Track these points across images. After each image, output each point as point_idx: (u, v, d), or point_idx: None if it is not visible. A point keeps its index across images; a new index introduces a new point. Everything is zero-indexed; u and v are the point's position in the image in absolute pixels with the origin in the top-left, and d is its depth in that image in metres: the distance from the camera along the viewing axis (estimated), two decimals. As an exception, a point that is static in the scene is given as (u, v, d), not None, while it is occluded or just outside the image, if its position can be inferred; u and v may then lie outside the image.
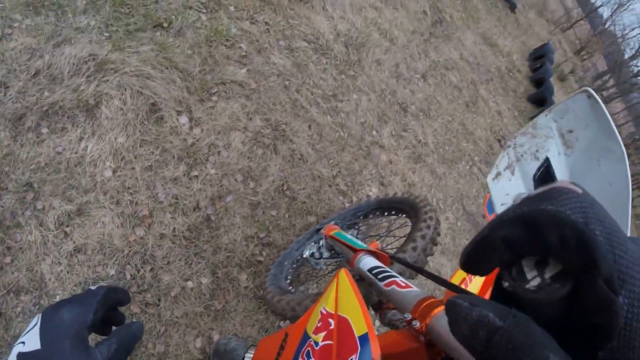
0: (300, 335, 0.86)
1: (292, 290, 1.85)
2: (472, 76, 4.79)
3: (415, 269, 1.17)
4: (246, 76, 2.58)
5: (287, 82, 2.73)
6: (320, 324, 0.82)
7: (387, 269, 1.13)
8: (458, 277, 1.37)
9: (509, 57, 6.15)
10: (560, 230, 0.31)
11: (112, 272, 1.95)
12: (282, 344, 0.89)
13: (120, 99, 2.20)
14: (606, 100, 12.52)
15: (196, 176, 2.17)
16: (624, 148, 0.70)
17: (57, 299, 1.88)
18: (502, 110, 5.08)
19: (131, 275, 1.97)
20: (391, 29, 3.93)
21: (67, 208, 1.96)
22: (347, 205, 2.61)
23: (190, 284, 2.02)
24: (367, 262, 1.29)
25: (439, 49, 4.50)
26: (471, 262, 0.35)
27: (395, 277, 1.04)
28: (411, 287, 0.95)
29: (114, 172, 2.07)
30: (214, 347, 1.30)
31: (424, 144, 3.45)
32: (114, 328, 0.64)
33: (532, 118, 5.52)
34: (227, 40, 2.71)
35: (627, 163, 0.69)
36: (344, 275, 0.91)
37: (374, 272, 1.16)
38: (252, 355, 1.22)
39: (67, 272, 1.90)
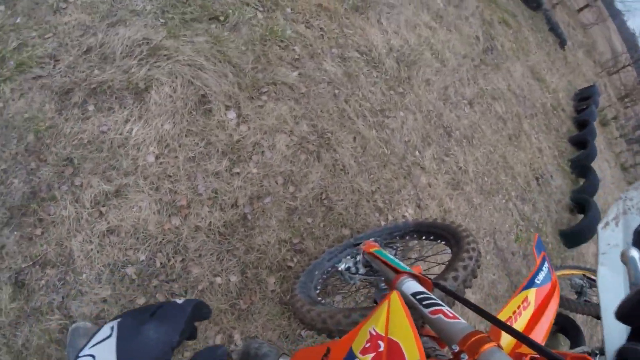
0: (344, 352, 0.83)
1: (323, 302, 1.80)
2: (517, 109, 4.69)
3: (462, 301, 1.11)
4: (297, 79, 2.55)
5: (336, 91, 2.70)
6: (368, 344, 0.80)
7: (432, 296, 1.09)
8: (505, 314, 1.29)
9: (554, 94, 6.02)
10: None
11: (143, 257, 1.92)
12: (323, 358, 0.86)
13: (170, 86, 2.19)
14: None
15: (238, 173, 2.14)
16: None
17: (84, 277, 1.85)
18: (543, 148, 4.95)
19: (161, 264, 1.93)
20: (443, 51, 3.88)
21: (105, 188, 1.95)
22: (382, 222, 2.54)
23: (218, 280, 1.98)
24: (411, 285, 1.23)
25: (488, 77, 4.42)
26: (630, 313, 0.37)
27: (442, 306, 1.01)
28: (458, 319, 0.93)
29: (157, 158, 2.05)
30: (243, 348, 1.24)
31: (464, 171, 3.37)
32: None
33: (570, 160, 5.37)
34: (281, 41, 2.69)
35: None
36: (396, 298, 0.90)
37: (418, 297, 1.12)
38: None
39: (97, 252, 1.88)
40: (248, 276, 2.05)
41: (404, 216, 2.69)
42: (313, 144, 2.41)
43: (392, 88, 3.10)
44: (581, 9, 13.09)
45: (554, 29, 7.58)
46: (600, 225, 0.80)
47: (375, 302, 1.97)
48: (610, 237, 0.78)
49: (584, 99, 6.80)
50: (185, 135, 2.12)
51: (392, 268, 1.44)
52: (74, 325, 1.33)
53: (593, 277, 3.77)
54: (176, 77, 2.22)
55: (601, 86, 9.88)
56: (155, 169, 2.03)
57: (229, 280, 2.01)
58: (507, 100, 4.56)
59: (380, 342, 0.80)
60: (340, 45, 2.93)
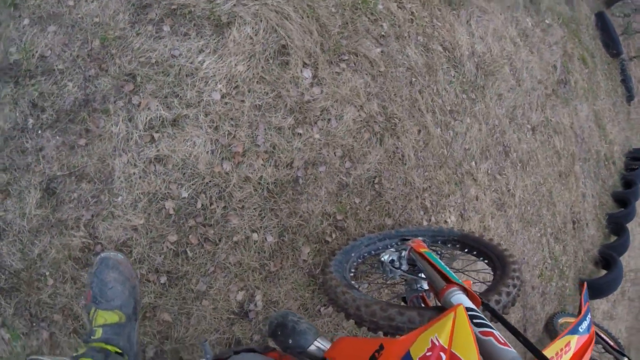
0: (401, 354, 0.79)
1: (358, 287, 1.66)
2: (573, 149, 4.40)
3: (511, 329, 1.01)
4: (378, 56, 2.36)
5: (413, 79, 2.50)
6: (429, 353, 0.76)
7: (483, 316, 0.99)
8: (549, 352, 1.17)
9: (610, 146, 5.66)
10: None
11: (185, 195, 1.80)
12: (374, 354, 0.81)
13: (253, 28, 2.03)
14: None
15: (300, 134, 1.99)
16: None
17: (119, 200, 1.74)
18: (587, 195, 4.66)
19: (202, 205, 1.81)
20: (521, 70, 3.61)
21: (163, 114, 1.81)
22: (425, 222, 2.36)
23: (255, 236, 1.85)
24: (461, 299, 1.12)
25: (556, 108, 4.13)
26: None
27: (493, 329, 0.93)
28: (509, 347, 0.87)
29: (223, 97, 1.91)
30: (280, 319, 1.12)
31: (512, 194, 3.15)
32: None
33: (607, 214, 5.06)
34: (371, 13, 2.49)
35: None
36: (462, 313, 0.84)
37: (469, 313, 0.99)
38: (321, 345, 1.04)
39: (140, 178, 1.76)
40: (285, 240, 1.92)
41: (445, 222, 2.50)
42: (379, 126, 2.23)
43: (466, 92, 2.87)
44: (653, 69, 12.35)
45: (625, 81, 7.10)
46: None
47: (404, 300, 1.83)
48: None
49: (636, 159, 6.40)
50: (257, 82, 1.96)
51: (444, 276, 1.30)
52: (104, 254, 1.23)
53: (600, 333, 3.57)
54: (260, 20, 2.05)
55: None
56: (219, 107, 1.88)
57: (265, 239, 1.89)
58: (567, 138, 4.27)
59: (442, 354, 0.75)
60: (426, 35, 2.72)
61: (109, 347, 1.11)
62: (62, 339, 1.75)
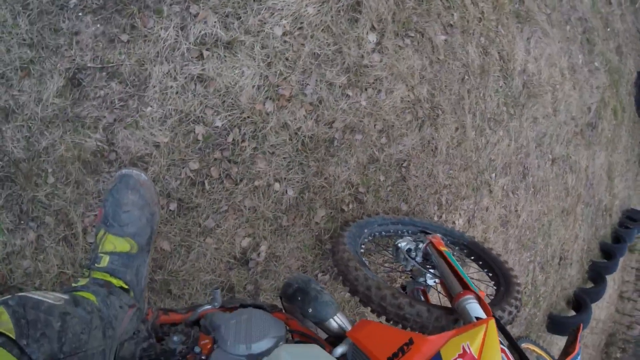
0: (430, 354, 0.78)
1: (368, 265, 1.64)
2: (581, 190, 4.39)
3: (516, 349, 1.00)
4: (442, 44, 2.28)
5: (466, 77, 2.43)
6: (460, 359, 0.76)
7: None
8: None
9: (612, 199, 5.67)
10: None
11: (219, 124, 1.68)
12: (403, 347, 0.79)
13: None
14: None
15: (348, 96, 1.92)
16: None
17: (148, 110, 1.60)
18: (579, 237, 4.69)
19: (233, 140, 1.71)
20: (561, 102, 3.55)
21: (219, 33, 1.66)
22: (436, 218, 2.34)
23: (277, 186, 1.79)
24: (475, 308, 1.11)
25: (578, 148, 4.10)
26: None
27: (504, 347, 0.91)
28: None
29: (284, 34, 1.79)
30: (302, 283, 1.06)
31: (518, 215, 3.14)
32: None
33: (591, 261, 5.11)
34: (447, 0, 2.40)
35: None
36: (493, 328, 0.84)
37: None
38: (340, 322, 1.00)
39: (176, 93, 1.62)
40: (304, 198, 1.87)
41: (454, 222, 2.49)
42: (423, 112, 2.18)
43: (507, 105, 2.82)
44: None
45: (643, 141, 7.11)
46: None
47: (404, 289, 1.82)
48: None
49: (631, 219, 6.44)
50: (322, 30, 1.87)
51: (461, 281, 1.28)
52: (126, 171, 1.06)
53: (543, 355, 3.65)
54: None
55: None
56: (278, 44, 1.78)
57: (286, 192, 1.83)
58: (579, 179, 4.26)
59: None
60: (489, 38, 2.64)
61: (114, 280, 0.98)
62: (49, 245, 1.61)
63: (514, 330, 3.67)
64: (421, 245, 1.70)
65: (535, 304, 3.92)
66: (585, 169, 4.44)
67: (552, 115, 3.43)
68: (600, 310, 6.79)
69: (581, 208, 4.55)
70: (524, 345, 3.67)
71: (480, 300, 1.16)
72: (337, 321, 1.00)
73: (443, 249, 1.58)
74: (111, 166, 1.62)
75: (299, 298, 1.03)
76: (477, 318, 1.08)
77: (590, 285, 5.18)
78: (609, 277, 5.42)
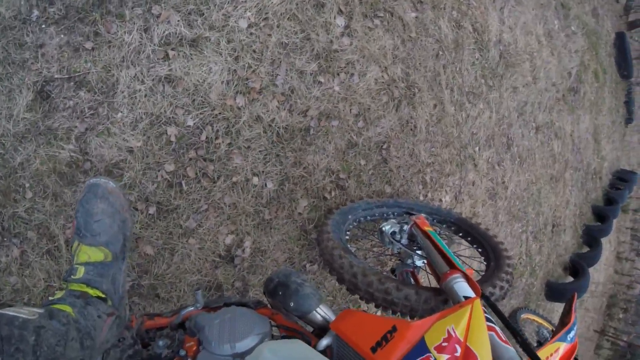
0: (415, 339, 0.77)
1: (354, 252, 1.61)
2: (568, 156, 4.39)
3: (508, 325, 0.99)
4: (413, 21, 2.24)
5: (440, 53, 2.40)
6: (445, 344, 0.75)
7: (485, 309, 0.95)
8: (542, 354, 1.17)
9: (601, 161, 5.69)
10: None
11: (191, 123, 1.65)
12: (386, 334, 0.79)
13: (293, -40, 1.86)
14: (639, 253, 11.88)
15: (321, 83, 1.89)
16: None
17: (119, 116, 1.57)
18: (571, 202, 4.70)
19: (206, 138, 1.68)
20: (540, 69, 3.53)
21: (183, 31, 1.63)
22: (422, 197, 2.33)
23: (255, 180, 1.77)
24: (464, 287, 1.09)
25: (561, 114, 4.09)
26: None
27: (495, 324, 0.91)
28: (509, 345, 0.86)
29: (250, 26, 1.75)
30: (282, 277, 1.04)
31: (505, 187, 3.14)
32: None
33: (585, 226, 5.13)
34: (413, -24, 2.36)
35: None
36: (479, 308, 0.82)
37: None
38: (323, 314, 0.99)
39: (145, 96, 1.59)
40: (284, 189, 1.84)
41: (440, 200, 2.48)
42: (399, 92, 2.15)
43: (485, 77, 2.79)
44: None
45: (628, 103, 7.10)
46: None
47: (393, 272, 1.80)
48: None
49: (622, 180, 6.46)
50: (288, 18, 1.83)
51: (448, 260, 1.26)
52: (93, 180, 1.04)
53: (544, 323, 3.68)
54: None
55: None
56: (244, 37, 1.74)
57: (265, 185, 1.81)
58: (565, 144, 4.26)
59: (457, 346, 0.74)
60: (461, 12, 2.60)
61: (90, 291, 0.97)
62: (34, 260, 1.60)
63: (512, 302, 3.70)
64: (406, 227, 1.69)
65: (532, 274, 3.94)
66: (571, 134, 4.44)
67: (532, 83, 3.41)
68: (599, 273, 6.87)
69: (570, 173, 4.56)
70: (523, 316, 3.70)
71: (468, 278, 1.15)
72: (321, 313, 0.99)
73: (427, 229, 1.56)
74: (87, 175, 1.60)
75: (280, 293, 1.02)
76: (466, 297, 1.06)
77: (585, 249, 5.21)
78: (604, 240, 5.45)
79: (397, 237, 1.67)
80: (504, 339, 0.87)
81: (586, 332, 7.69)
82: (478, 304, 0.83)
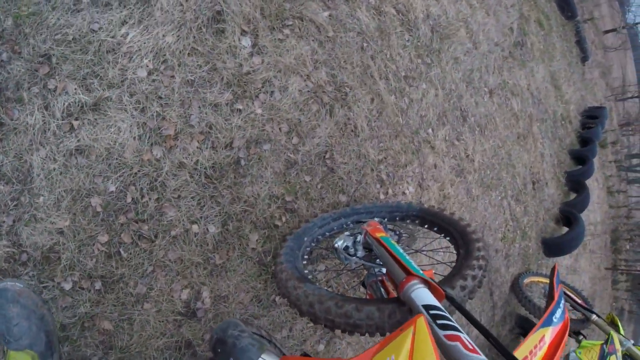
0: None
1: (311, 278, 1.51)
2: (531, 110, 4.35)
3: (478, 326, 0.91)
4: (326, 21, 2.14)
5: (365, 44, 2.30)
6: None
7: (449, 315, 0.90)
8: (521, 352, 1.06)
9: (566, 105, 5.67)
10: None
11: (113, 188, 1.56)
12: None
13: (183, -7, 1.77)
14: (630, 181, 12.02)
15: (240, 110, 1.78)
16: None
17: (41, 200, 1.49)
18: (545, 155, 4.66)
19: (133, 199, 1.58)
20: (478, 33, 3.47)
21: (83, 98, 1.53)
22: (382, 196, 2.22)
23: (195, 228, 1.66)
24: (423, 295, 1.01)
25: (513, 71, 4.03)
26: None
27: (460, 332, 0.83)
28: (478, 353, 0.77)
29: (150, 73, 1.65)
30: (219, 333, 0.97)
31: (471, 160, 3.06)
32: None
33: (566, 173, 5.10)
34: (318, -26, 2.26)
35: None
36: (423, 326, 0.74)
37: (432, 312, 0.93)
38: None
39: (60, 174, 1.50)
40: (229, 229, 1.73)
41: (404, 193, 2.38)
42: (328, 96, 2.04)
43: (421, 56, 2.71)
44: (607, 32, 12.50)
45: (580, 42, 7.12)
46: None
47: (364, 284, 1.70)
48: None
49: (592, 117, 6.48)
50: (189, 54, 1.72)
51: (403, 267, 1.16)
52: (1, 285, 1.08)
53: (567, 291, 3.60)
54: (192, -15, 1.80)
55: (608, 110, 9.56)
56: (146, 86, 1.63)
57: (207, 231, 1.69)
58: (524, 100, 4.21)
59: None
60: (378, -3, 2.51)
61: None
62: None
63: (510, 270, 3.62)
64: (359, 238, 1.59)
65: (524, 237, 3.87)
66: (528, 88, 4.40)
67: (473, 49, 3.34)
68: (594, 213, 6.86)
69: (537, 126, 4.52)
70: (526, 281, 3.62)
71: (427, 282, 1.05)
72: None
73: (380, 235, 1.46)
74: (26, 267, 1.50)
75: (219, 350, 0.96)
76: (425, 306, 0.96)
77: (573, 196, 5.17)
78: (589, 181, 5.43)
79: (352, 251, 1.57)
80: (470, 347, 0.78)
81: (598, 272, 7.67)
82: (421, 322, 0.75)
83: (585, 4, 9.33)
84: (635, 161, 11.96)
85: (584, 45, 7.30)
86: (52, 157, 1.51)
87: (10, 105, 1.50)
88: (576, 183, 5.16)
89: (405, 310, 1.11)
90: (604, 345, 2.45)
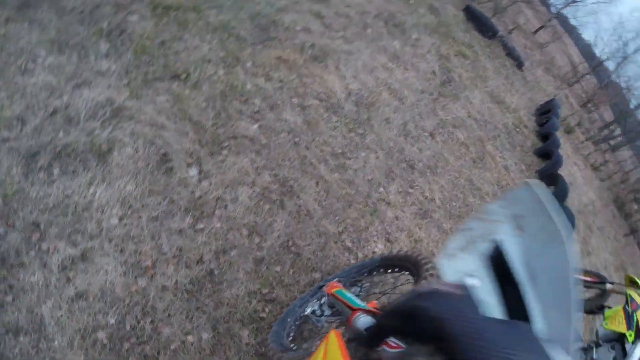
0: None
1: (294, 348, 1.74)
2: (479, 133, 4.71)
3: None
4: (257, 132, 2.54)
5: (297, 139, 2.69)
6: None
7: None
8: None
9: (515, 114, 6.07)
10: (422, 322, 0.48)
11: (112, 321, 1.84)
12: None
13: (132, 147, 2.17)
14: (614, 148, 12.27)
15: (202, 229, 2.09)
16: (564, 233, 0.67)
17: (56, 343, 1.75)
18: (509, 165, 4.95)
19: (131, 326, 1.86)
20: (401, 89, 3.91)
21: (72, 252, 1.89)
22: (352, 262, 2.48)
23: (190, 338, 1.90)
24: (364, 321, 1.25)
25: (447, 107, 4.45)
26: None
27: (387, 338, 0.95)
28: (402, 348, 0.88)
29: (120, 219, 2.00)
30: None
31: (431, 200, 3.33)
32: None
33: (537, 172, 5.34)
34: (241, 95, 2.70)
35: (569, 247, 0.66)
36: (333, 337, 0.87)
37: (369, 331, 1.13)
38: None
39: (67, 318, 1.79)
40: (220, 331, 1.97)
41: (374, 252, 2.63)
42: (276, 193, 2.38)
43: (353, 130, 3.09)
44: (537, 31, 13.45)
45: (510, 53, 7.72)
46: (441, 256, 0.80)
47: (350, 340, 1.91)
48: (461, 265, 0.78)
49: (545, 112, 6.85)
50: (148, 195, 2.08)
51: (348, 306, 1.44)
52: None
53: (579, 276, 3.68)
54: (138, 138, 2.20)
55: (562, 97, 10.03)
56: (119, 230, 1.98)
57: (201, 338, 1.93)
58: (468, 127, 4.58)
59: None
60: (299, 95, 2.94)
61: None
62: None
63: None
64: (324, 300, 1.84)
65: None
66: (469, 115, 4.80)
67: (400, 105, 3.76)
68: (585, 194, 7.03)
69: (491, 145, 4.85)
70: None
71: (369, 311, 1.30)
72: None
73: (334, 290, 1.72)
74: None
75: None
76: (366, 329, 1.21)
77: (552, 189, 5.34)
78: (563, 171, 5.66)
79: (318, 312, 1.81)
80: (394, 345, 0.88)
81: (617, 243, 7.69)
82: (332, 335, 0.88)
83: (505, 17, 10.15)
84: (608, 131, 12.29)
85: (515, 53, 7.89)
86: (57, 305, 1.80)
87: (15, 270, 1.82)
88: (549, 177, 5.33)
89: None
90: (626, 306, 2.46)
